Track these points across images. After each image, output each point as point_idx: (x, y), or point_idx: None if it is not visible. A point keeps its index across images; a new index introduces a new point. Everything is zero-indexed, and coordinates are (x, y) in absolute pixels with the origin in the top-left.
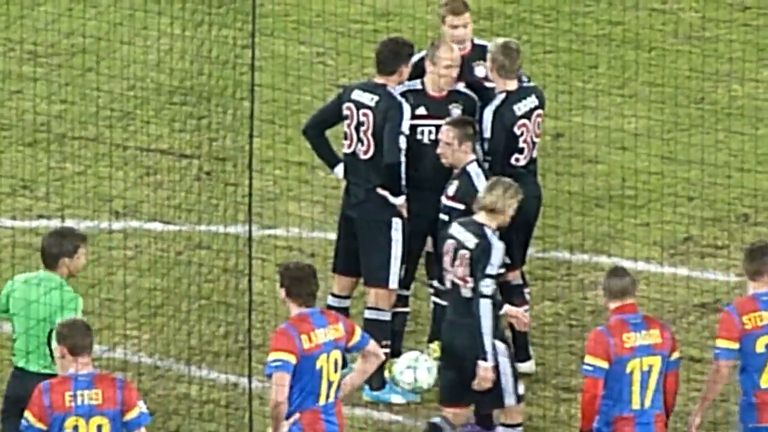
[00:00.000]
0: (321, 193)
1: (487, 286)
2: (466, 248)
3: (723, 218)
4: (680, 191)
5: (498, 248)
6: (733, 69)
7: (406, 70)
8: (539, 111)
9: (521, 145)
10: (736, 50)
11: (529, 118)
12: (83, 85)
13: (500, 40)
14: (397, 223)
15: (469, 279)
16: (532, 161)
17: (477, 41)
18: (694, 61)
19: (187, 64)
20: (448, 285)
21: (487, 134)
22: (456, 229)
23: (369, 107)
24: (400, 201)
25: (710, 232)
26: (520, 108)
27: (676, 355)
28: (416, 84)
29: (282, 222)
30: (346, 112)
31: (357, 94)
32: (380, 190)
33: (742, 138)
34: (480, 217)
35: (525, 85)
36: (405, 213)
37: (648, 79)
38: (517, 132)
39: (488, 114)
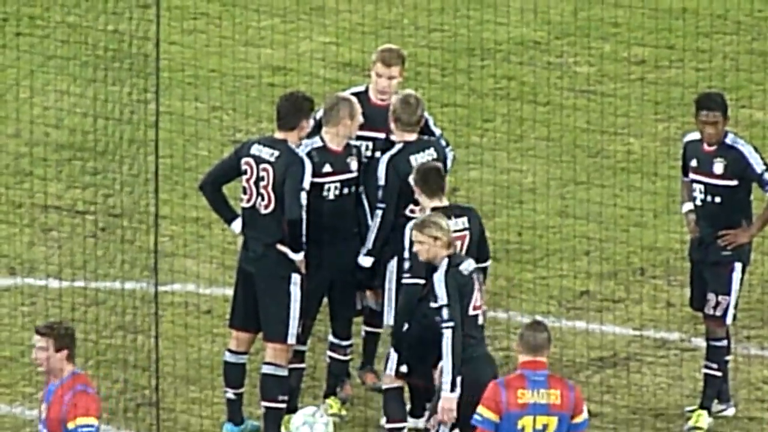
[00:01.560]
0: (218, 249)
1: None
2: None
3: (620, 272)
4: (577, 245)
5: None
6: (630, 123)
7: (307, 125)
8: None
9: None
10: (632, 104)
11: None
12: None
13: (402, 93)
14: (296, 279)
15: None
16: None
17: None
18: (591, 115)
19: (84, 120)
20: (482, 321)
21: (381, 182)
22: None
23: (269, 162)
24: (299, 257)
25: (607, 286)
26: (417, 159)
27: (581, 417)
28: (316, 141)
29: (178, 278)
30: (245, 167)
31: (256, 149)
32: (280, 246)
33: (639, 192)
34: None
35: (425, 138)
36: (304, 269)
37: (544, 133)
38: (412, 182)
39: (383, 162)
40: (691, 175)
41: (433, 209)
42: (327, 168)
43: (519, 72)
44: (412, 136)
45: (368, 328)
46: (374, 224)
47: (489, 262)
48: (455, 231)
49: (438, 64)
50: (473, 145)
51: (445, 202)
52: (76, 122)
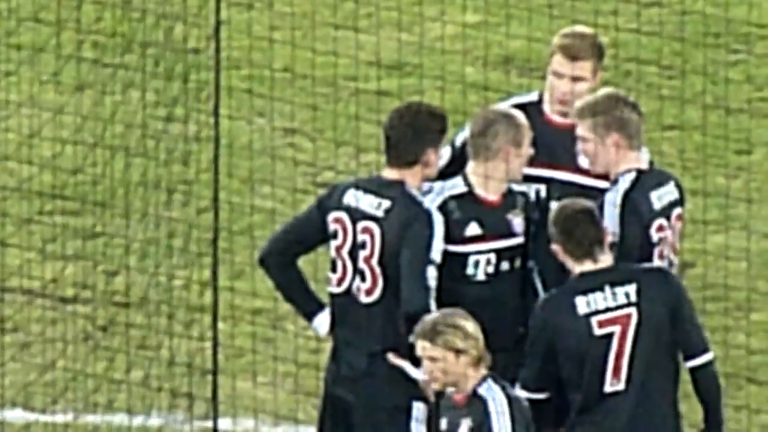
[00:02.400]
0: (290, 361)
1: None
2: None
3: None
4: None
5: None
6: None
7: (437, 158)
8: None
9: None
10: None
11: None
12: None
13: (605, 91)
14: (419, 410)
15: None
16: None
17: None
18: None
19: (75, 153)
20: None
21: (612, 236)
22: None
23: (375, 218)
24: (423, 375)
25: None
26: (658, 198)
27: None
28: (456, 185)
29: (226, 410)
30: (334, 227)
31: (353, 198)
32: (393, 357)
33: None
34: None
35: (658, 168)
36: (431, 394)
37: None
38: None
39: (611, 203)
40: None
41: (583, 276)
42: (474, 229)
43: None
44: (643, 161)
45: None
46: None
47: (704, 359)
48: (604, 309)
49: (657, 59)
50: (717, 193)
51: (603, 264)
52: (59, 155)
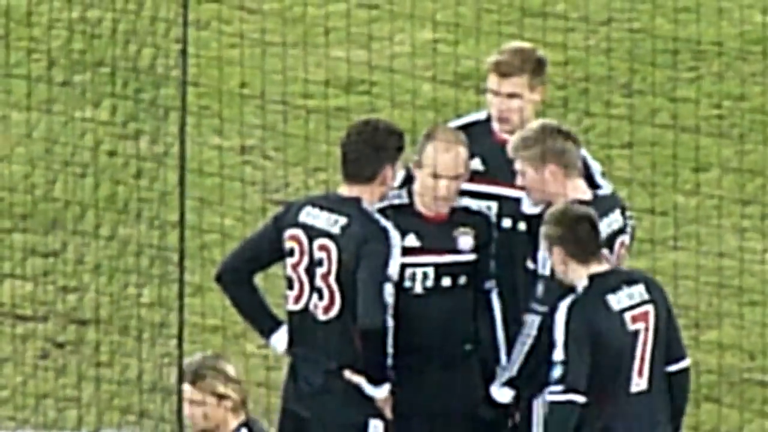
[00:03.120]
0: (246, 377)
1: None
2: None
3: None
4: None
5: None
6: None
7: (393, 176)
8: None
9: None
10: None
11: None
12: None
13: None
14: (376, 428)
15: None
16: None
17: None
18: None
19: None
20: None
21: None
22: None
23: (331, 236)
24: (382, 393)
25: None
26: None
27: None
28: (400, 195)
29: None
30: (290, 244)
31: (309, 215)
32: (350, 374)
33: None
34: None
35: (603, 192)
36: (389, 412)
37: None
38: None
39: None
40: None
41: (592, 278)
42: (411, 241)
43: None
44: (583, 191)
45: None
46: (525, 335)
47: (684, 364)
48: (630, 306)
49: (610, 77)
50: (671, 211)
51: (606, 266)
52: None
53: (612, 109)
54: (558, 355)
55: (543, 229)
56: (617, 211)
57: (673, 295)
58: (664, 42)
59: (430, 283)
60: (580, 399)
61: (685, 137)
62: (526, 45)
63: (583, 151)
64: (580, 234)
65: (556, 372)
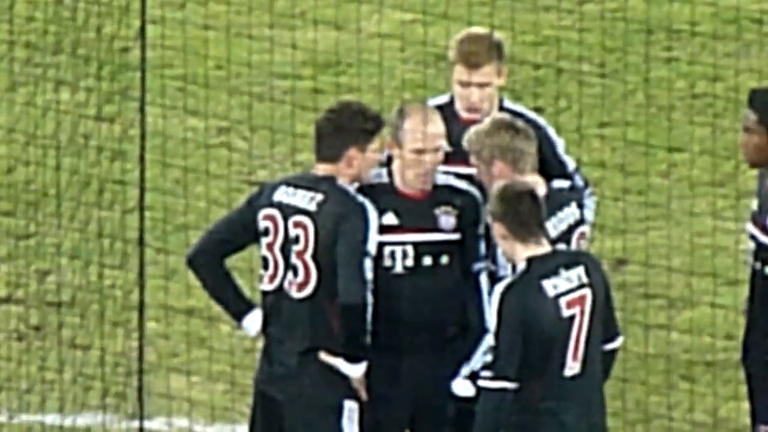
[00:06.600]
0: (224, 362)
1: None
2: None
3: None
4: None
5: None
6: None
7: (362, 155)
8: None
9: None
10: None
11: None
12: None
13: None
14: (351, 409)
15: None
16: None
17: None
18: None
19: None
20: None
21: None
22: None
23: (307, 213)
24: (357, 371)
25: None
26: (553, 225)
27: None
28: (380, 174)
29: (160, 408)
30: (265, 224)
31: (284, 194)
32: (325, 355)
33: None
34: None
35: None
36: (364, 393)
37: None
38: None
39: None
40: None
41: (531, 261)
42: (390, 219)
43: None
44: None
45: None
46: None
47: (619, 342)
48: (567, 291)
49: (588, 56)
50: (648, 191)
51: (547, 247)
52: None
53: (586, 89)
54: (491, 339)
55: (487, 205)
56: (573, 205)
57: (647, 276)
58: (639, 22)
59: (410, 262)
60: (510, 385)
61: (659, 118)
62: (482, 30)
63: (550, 130)
64: (520, 210)
65: (488, 357)
